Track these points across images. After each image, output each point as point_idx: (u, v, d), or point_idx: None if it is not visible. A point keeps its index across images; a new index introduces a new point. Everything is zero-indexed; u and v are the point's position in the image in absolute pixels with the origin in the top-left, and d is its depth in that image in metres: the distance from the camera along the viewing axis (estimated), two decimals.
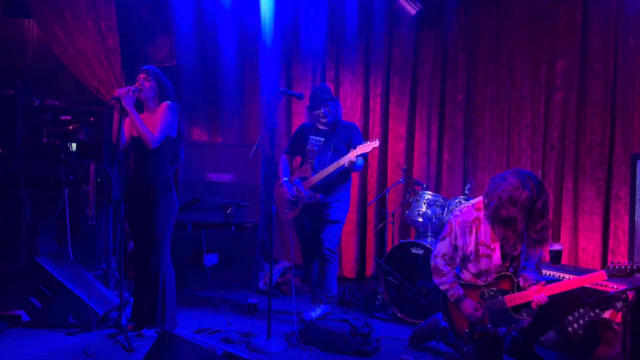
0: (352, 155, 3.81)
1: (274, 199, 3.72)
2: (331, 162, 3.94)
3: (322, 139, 4.09)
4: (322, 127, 4.13)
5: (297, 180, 4.08)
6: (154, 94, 3.65)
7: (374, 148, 3.83)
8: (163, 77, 3.69)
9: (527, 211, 2.87)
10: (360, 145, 3.83)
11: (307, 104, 4.15)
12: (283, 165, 4.23)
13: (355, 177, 5.37)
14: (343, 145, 4.01)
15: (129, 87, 3.50)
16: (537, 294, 2.87)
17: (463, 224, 3.06)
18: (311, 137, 4.14)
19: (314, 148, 4.11)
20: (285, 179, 4.13)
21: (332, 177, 3.98)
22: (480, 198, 3.09)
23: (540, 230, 2.89)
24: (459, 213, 3.10)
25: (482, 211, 3.04)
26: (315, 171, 4.03)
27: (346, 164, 3.84)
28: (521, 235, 2.92)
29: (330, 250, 4.04)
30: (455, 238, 3.08)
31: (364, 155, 3.94)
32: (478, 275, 3.06)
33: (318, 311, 4.02)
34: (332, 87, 5.45)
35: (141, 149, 3.57)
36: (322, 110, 4.06)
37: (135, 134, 3.58)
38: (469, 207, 3.10)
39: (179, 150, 3.74)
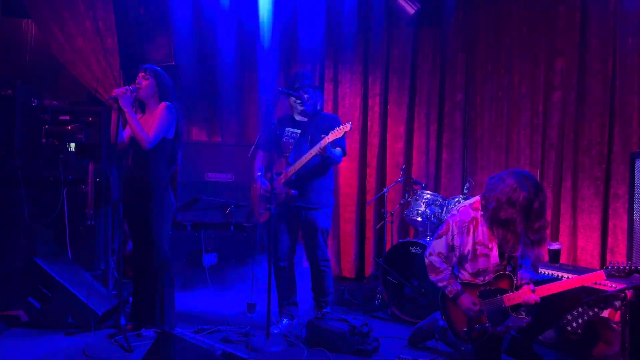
0: (323, 142, 3.48)
1: (274, 199, 3.68)
2: None
3: (299, 131, 3.80)
4: (299, 118, 3.86)
5: (275, 175, 3.74)
6: (153, 92, 3.62)
7: (345, 132, 3.46)
8: (163, 76, 3.66)
9: (526, 212, 2.87)
10: (332, 132, 3.47)
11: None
12: (257, 161, 3.94)
13: (354, 176, 5.37)
14: (322, 138, 3.53)
15: (126, 87, 3.49)
16: (529, 295, 2.88)
17: (460, 224, 3.06)
18: (287, 129, 3.86)
19: (290, 140, 3.82)
20: (259, 174, 3.86)
21: (307, 171, 3.71)
22: (478, 197, 3.09)
23: (538, 230, 2.90)
24: (456, 213, 3.10)
25: (479, 211, 3.04)
26: (290, 165, 3.75)
27: (318, 152, 3.52)
28: (520, 236, 2.93)
29: (325, 260, 3.85)
30: (452, 238, 3.07)
31: (341, 146, 3.72)
32: (476, 274, 3.06)
33: (284, 321, 3.85)
34: (330, 87, 5.46)
35: (139, 149, 3.56)
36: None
37: None
38: (466, 207, 3.10)
39: (176, 151, 3.71)
